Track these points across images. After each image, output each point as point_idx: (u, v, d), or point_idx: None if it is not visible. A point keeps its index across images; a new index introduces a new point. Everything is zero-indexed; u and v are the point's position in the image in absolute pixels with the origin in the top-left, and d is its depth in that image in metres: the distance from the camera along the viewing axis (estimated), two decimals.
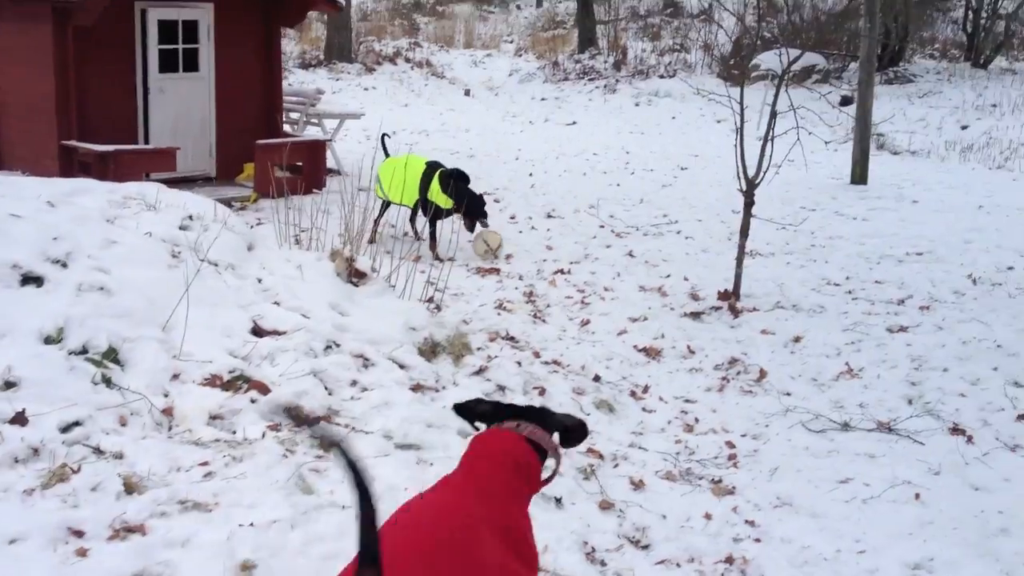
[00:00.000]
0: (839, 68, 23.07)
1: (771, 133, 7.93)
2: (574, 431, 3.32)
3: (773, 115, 7.92)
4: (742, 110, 7.86)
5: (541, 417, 3.22)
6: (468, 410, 3.30)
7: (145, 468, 4.29)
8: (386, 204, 9.85)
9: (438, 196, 9.38)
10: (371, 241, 9.33)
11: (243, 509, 4.05)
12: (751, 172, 8.14)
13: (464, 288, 8.44)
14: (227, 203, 11.12)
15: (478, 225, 9.59)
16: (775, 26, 18.43)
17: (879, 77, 21.78)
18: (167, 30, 11.57)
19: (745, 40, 13.92)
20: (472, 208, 9.43)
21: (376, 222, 9.68)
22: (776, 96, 7.90)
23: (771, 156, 7.92)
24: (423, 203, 9.53)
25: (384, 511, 2.54)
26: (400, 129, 18.29)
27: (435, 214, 9.52)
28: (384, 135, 10.35)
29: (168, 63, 11.65)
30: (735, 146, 8.12)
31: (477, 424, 3.27)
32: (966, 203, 12.39)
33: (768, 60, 19.11)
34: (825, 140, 10.53)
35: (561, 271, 9.15)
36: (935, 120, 18.72)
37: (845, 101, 18.97)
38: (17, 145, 12.05)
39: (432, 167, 9.54)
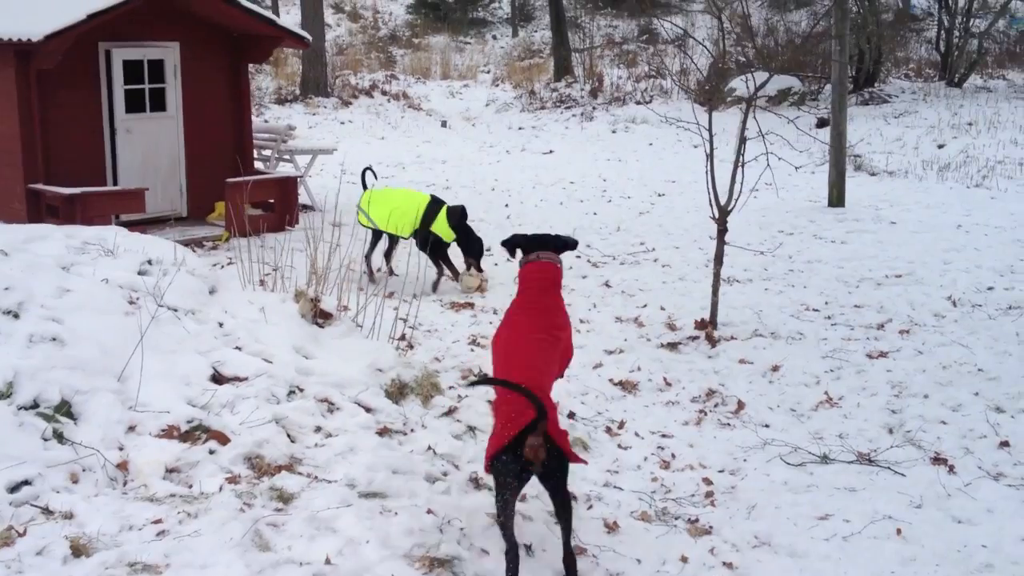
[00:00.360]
0: (815, 90, 23.12)
1: (741, 160, 7.84)
2: (572, 246, 5.48)
3: (743, 141, 7.82)
4: (711, 137, 7.76)
5: (556, 243, 5.31)
6: (510, 243, 5.37)
7: (95, 528, 4.12)
8: (377, 236, 9.74)
9: (443, 229, 9.39)
10: (371, 280, 9.53)
11: (195, 570, 3.88)
12: (723, 199, 8.03)
13: (437, 324, 8.30)
14: (199, 243, 11.05)
15: (462, 267, 9.57)
16: (751, 50, 18.42)
17: (855, 98, 21.88)
18: (133, 70, 11.44)
19: (720, 65, 13.87)
20: (473, 248, 9.50)
21: (368, 258, 9.74)
22: (744, 122, 7.81)
23: (742, 182, 7.82)
24: (423, 235, 9.43)
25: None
26: (376, 162, 18.12)
27: (435, 246, 9.47)
28: (366, 169, 10.30)
29: (135, 103, 11.51)
30: (706, 173, 8.01)
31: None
32: (944, 223, 12.33)
33: (743, 85, 19.10)
34: (796, 166, 10.41)
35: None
36: (911, 140, 18.71)
37: (822, 123, 18.93)
38: None
39: (437, 202, 9.54)
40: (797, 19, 28.24)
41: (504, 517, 4.11)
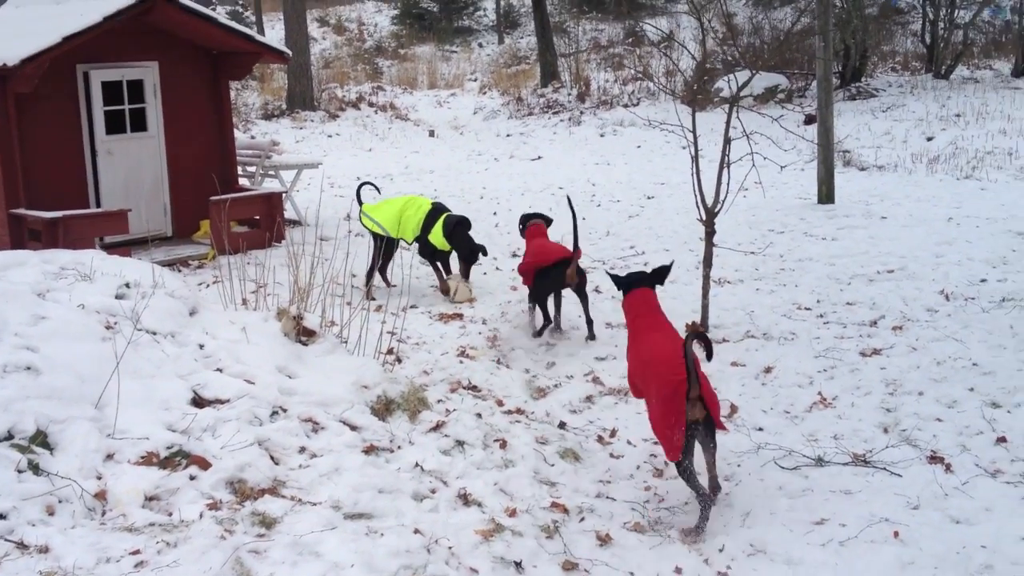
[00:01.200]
0: (802, 87, 23.06)
1: (726, 160, 7.74)
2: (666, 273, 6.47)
3: (727, 142, 7.73)
4: (695, 139, 7.67)
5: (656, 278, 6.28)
6: (625, 282, 6.30)
7: (71, 562, 4.01)
8: (381, 243, 9.61)
9: (438, 238, 9.37)
10: (389, 284, 9.71)
11: None
12: (710, 201, 7.94)
13: (426, 336, 8.18)
14: (184, 262, 10.95)
15: (456, 275, 9.52)
16: (736, 49, 18.35)
17: (842, 94, 21.84)
18: (112, 91, 11.34)
19: (707, 64, 13.79)
20: (469, 255, 9.43)
21: (383, 272, 9.73)
22: (728, 122, 7.72)
23: (729, 183, 7.73)
24: (422, 242, 9.50)
25: None
26: (365, 174, 18.07)
27: (433, 255, 9.54)
28: (363, 184, 10.25)
29: (115, 124, 11.41)
30: (692, 175, 7.92)
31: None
32: (935, 216, 12.25)
33: (728, 85, 19.05)
34: (782, 165, 10.33)
35: (526, 311, 8.90)
36: (900, 133, 18.66)
37: (809, 120, 18.89)
38: None
39: (437, 210, 9.52)
40: (782, 16, 28.17)
41: (689, 476, 4.99)
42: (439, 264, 9.59)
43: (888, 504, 5.09)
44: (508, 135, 23.47)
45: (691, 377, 4.85)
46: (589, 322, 8.15)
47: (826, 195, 13.45)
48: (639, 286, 6.14)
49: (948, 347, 7.38)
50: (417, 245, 9.62)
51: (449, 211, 9.60)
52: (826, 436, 6.05)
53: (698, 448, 5.07)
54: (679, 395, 4.87)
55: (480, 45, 38.20)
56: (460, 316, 8.83)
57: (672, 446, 4.91)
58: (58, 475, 4.60)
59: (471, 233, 9.52)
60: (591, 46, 31.52)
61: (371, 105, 27.04)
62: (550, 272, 8.03)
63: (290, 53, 12.81)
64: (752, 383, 7.05)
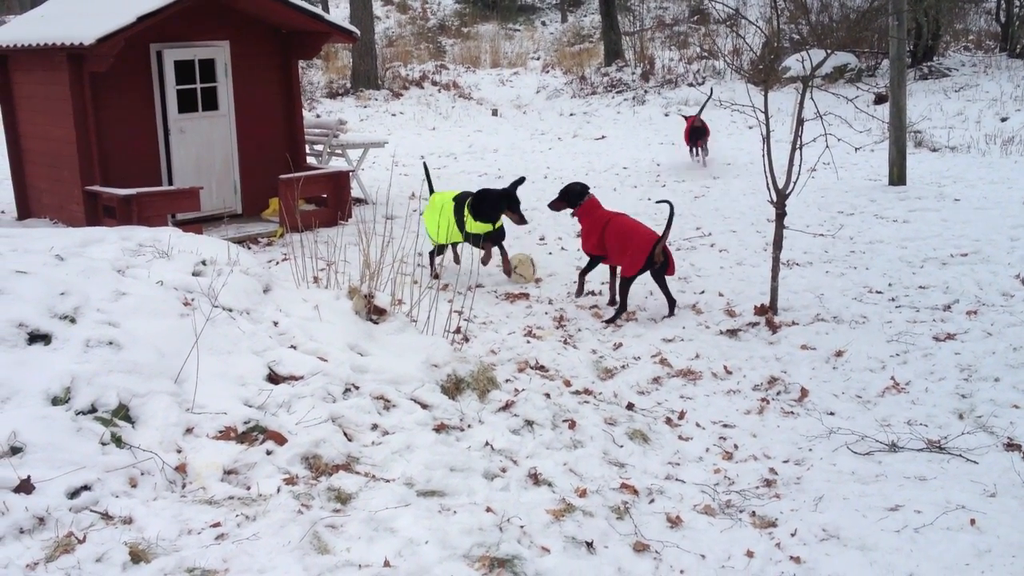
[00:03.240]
0: (872, 66, 22.64)
1: (799, 141, 7.64)
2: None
3: (800, 123, 7.63)
4: (767, 119, 7.58)
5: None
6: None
7: (154, 533, 4.11)
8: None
9: (476, 227, 9.15)
10: (457, 261, 9.59)
11: (253, 575, 3.84)
12: (781, 182, 7.86)
13: (493, 316, 8.23)
14: (254, 239, 11.10)
15: (509, 253, 9.41)
16: (804, 27, 18.06)
17: (913, 73, 21.39)
18: (184, 70, 11.50)
19: (774, 43, 13.59)
20: (497, 234, 9.25)
21: (437, 259, 9.49)
22: (802, 103, 7.61)
23: (801, 165, 7.64)
24: (470, 238, 9.23)
25: None
26: (428, 153, 18.16)
27: (485, 238, 9.22)
28: (425, 165, 10.15)
29: (187, 103, 11.58)
30: (763, 156, 7.83)
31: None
32: (1010, 198, 11.99)
33: (798, 63, 18.77)
34: (855, 147, 10.17)
35: (592, 292, 8.91)
36: (973, 114, 18.25)
37: (879, 99, 18.58)
38: (44, 192, 12.05)
39: (459, 204, 9.22)
40: None
41: (626, 292, 8.22)
42: (501, 245, 9.46)
43: (964, 491, 5.03)
44: (571, 114, 23.38)
45: (662, 238, 8.03)
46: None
47: (897, 176, 13.23)
48: (586, 195, 8.61)
49: None
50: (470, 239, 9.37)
51: (469, 193, 9.38)
52: (899, 421, 5.98)
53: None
54: (649, 248, 7.98)
55: (543, 23, 38.02)
56: (526, 296, 8.86)
57: (634, 268, 8.03)
58: (140, 448, 4.71)
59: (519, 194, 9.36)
60: (655, 24, 31.21)
61: (434, 84, 27.08)
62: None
63: (358, 33, 12.87)
64: (823, 367, 6.98)
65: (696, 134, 15.39)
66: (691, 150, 15.71)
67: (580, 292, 8.82)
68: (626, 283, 8.23)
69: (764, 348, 7.42)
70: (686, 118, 16.08)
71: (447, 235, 9.25)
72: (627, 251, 8.15)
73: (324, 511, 4.42)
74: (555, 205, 8.95)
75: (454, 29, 36.46)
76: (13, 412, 4.63)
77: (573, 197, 8.72)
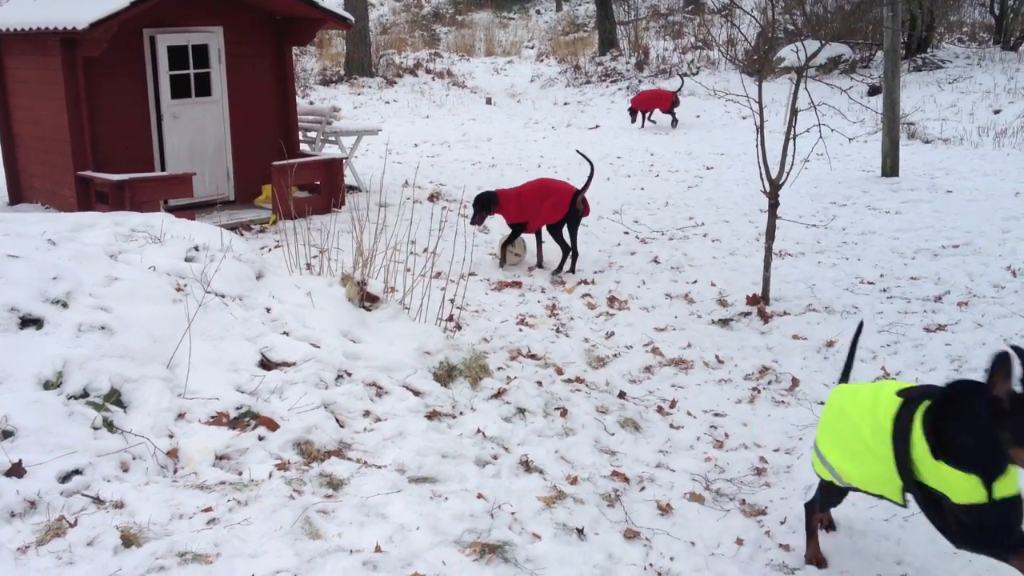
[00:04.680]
0: (866, 57, 22.65)
1: (792, 132, 7.65)
2: None
3: (794, 113, 7.63)
4: (761, 109, 7.59)
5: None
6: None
7: (145, 517, 4.12)
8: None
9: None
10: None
11: (245, 560, 3.85)
12: (774, 172, 7.87)
13: (485, 304, 8.24)
14: (246, 226, 11.08)
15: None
16: (799, 17, 18.06)
17: (907, 65, 21.39)
18: (178, 56, 11.47)
19: (769, 33, 13.61)
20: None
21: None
22: (796, 93, 7.62)
23: (794, 155, 7.65)
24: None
25: None
26: (422, 141, 18.15)
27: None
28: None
29: (180, 88, 11.55)
30: (756, 146, 7.84)
31: None
32: (1002, 190, 12.02)
33: (792, 54, 18.75)
34: (848, 137, 10.19)
35: (584, 281, 8.92)
36: (966, 106, 18.28)
37: (873, 91, 18.61)
38: (36, 177, 12.02)
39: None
40: None
41: (560, 236, 9.16)
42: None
43: None
44: (565, 103, 23.37)
45: (582, 190, 9.04)
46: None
47: (890, 168, 13.26)
48: (494, 196, 9.30)
49: (1015, 324, 7.27)
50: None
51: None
52: None
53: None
54: (570, 198, 8.91)
55: (538, 12, 37.95)
56: (519, 284, 8.87)
57: (558, 214, 8.93)
58: (131, 432, 4.72)
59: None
60: (650, 14, 31.17)
61: (428, 72, 27.04)
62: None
63: (352, 19, 12.85)
64: (814, 357, 7.01)
65: (674, 103, 18.83)
66: (646, 116, 19.34)
67: (503, 263, 9.47)
68: (556, 229, 9.13)
69: (756, 338, 7.44)
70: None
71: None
72: (548, 201, 9.05)
73: (316, 496, 4.43)
74: (477, 219, 9.44)
75: (448, 17, 36.39)
76: (5, 396, 4.64)
77: (487, 202, 9.37)
